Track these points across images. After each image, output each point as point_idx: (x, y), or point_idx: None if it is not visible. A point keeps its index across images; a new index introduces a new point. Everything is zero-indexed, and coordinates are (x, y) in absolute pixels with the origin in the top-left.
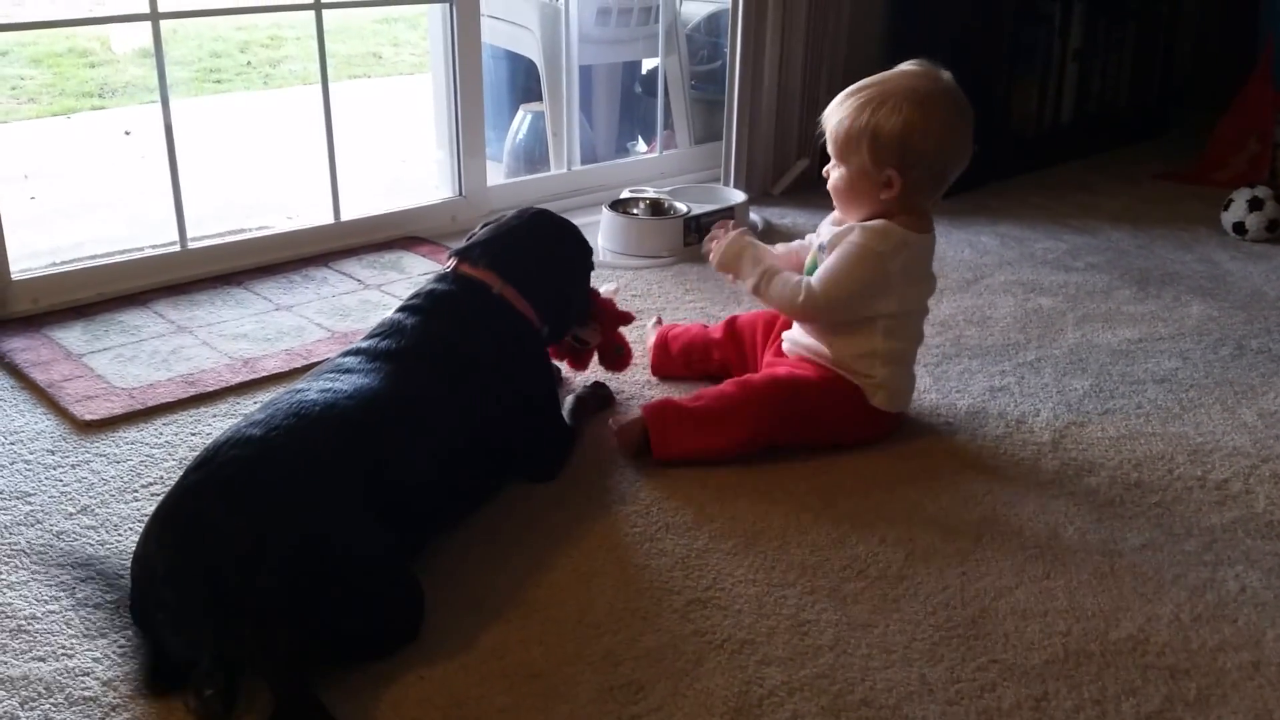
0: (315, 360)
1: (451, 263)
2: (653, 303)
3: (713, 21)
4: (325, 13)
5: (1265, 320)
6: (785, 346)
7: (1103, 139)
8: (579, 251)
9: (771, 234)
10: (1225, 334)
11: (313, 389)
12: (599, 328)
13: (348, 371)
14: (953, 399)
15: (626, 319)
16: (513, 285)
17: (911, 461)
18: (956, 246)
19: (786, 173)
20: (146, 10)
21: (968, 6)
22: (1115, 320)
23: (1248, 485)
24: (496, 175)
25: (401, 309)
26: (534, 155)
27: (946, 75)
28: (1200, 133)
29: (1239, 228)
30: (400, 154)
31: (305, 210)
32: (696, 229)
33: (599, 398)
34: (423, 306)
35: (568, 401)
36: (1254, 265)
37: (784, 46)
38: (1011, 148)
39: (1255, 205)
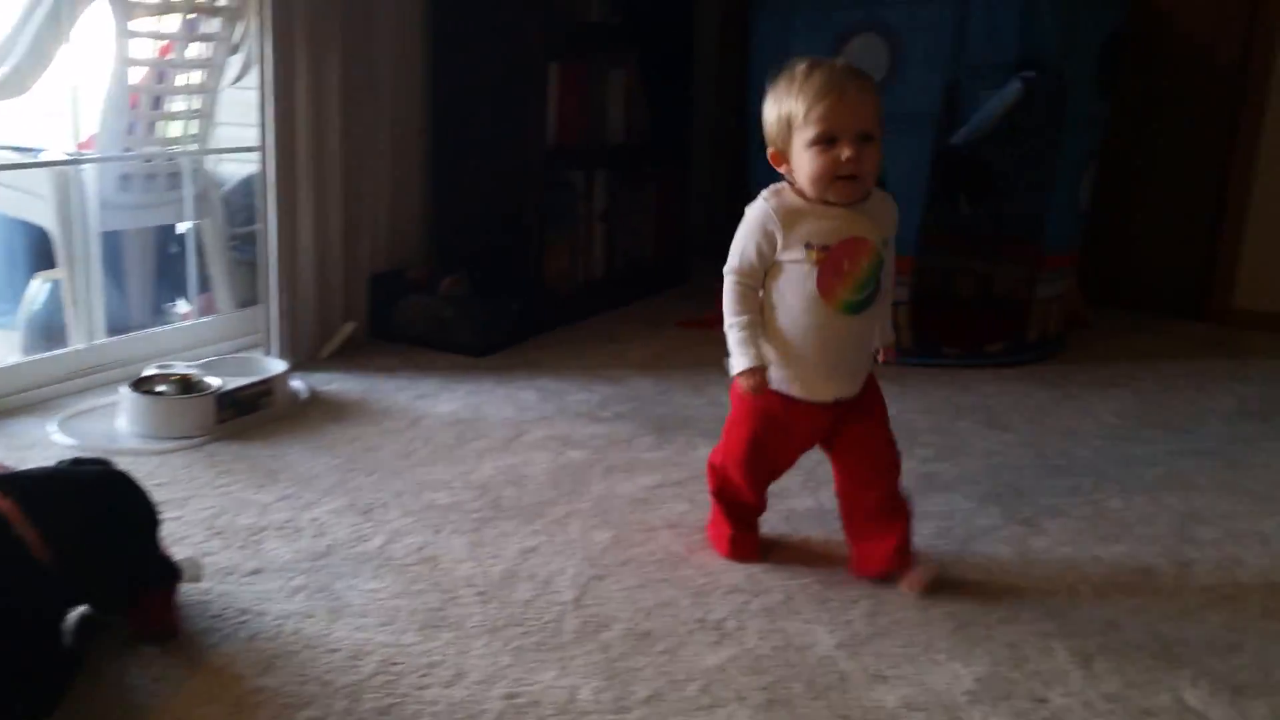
0: None
1: None
2: (180, 490)
3: (250, 183)
4: None
5: None
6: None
7: (632, 290)
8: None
9: (319, 403)
10: None
11: None
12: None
13: None
14: (487, 565)
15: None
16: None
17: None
18: (499, 404)
19: (334, 336)
20: None
21: (499, 179)
22: (636, 469)
23: (741, 622)
24: (13, 347)
25: None
26: (53, 326)
27: None
28: (715, 281)
29: None
30: None
31: None
32: (232, 404)
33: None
34: None
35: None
36: None
37: (319, 208)
38: (548, 304)
39: None
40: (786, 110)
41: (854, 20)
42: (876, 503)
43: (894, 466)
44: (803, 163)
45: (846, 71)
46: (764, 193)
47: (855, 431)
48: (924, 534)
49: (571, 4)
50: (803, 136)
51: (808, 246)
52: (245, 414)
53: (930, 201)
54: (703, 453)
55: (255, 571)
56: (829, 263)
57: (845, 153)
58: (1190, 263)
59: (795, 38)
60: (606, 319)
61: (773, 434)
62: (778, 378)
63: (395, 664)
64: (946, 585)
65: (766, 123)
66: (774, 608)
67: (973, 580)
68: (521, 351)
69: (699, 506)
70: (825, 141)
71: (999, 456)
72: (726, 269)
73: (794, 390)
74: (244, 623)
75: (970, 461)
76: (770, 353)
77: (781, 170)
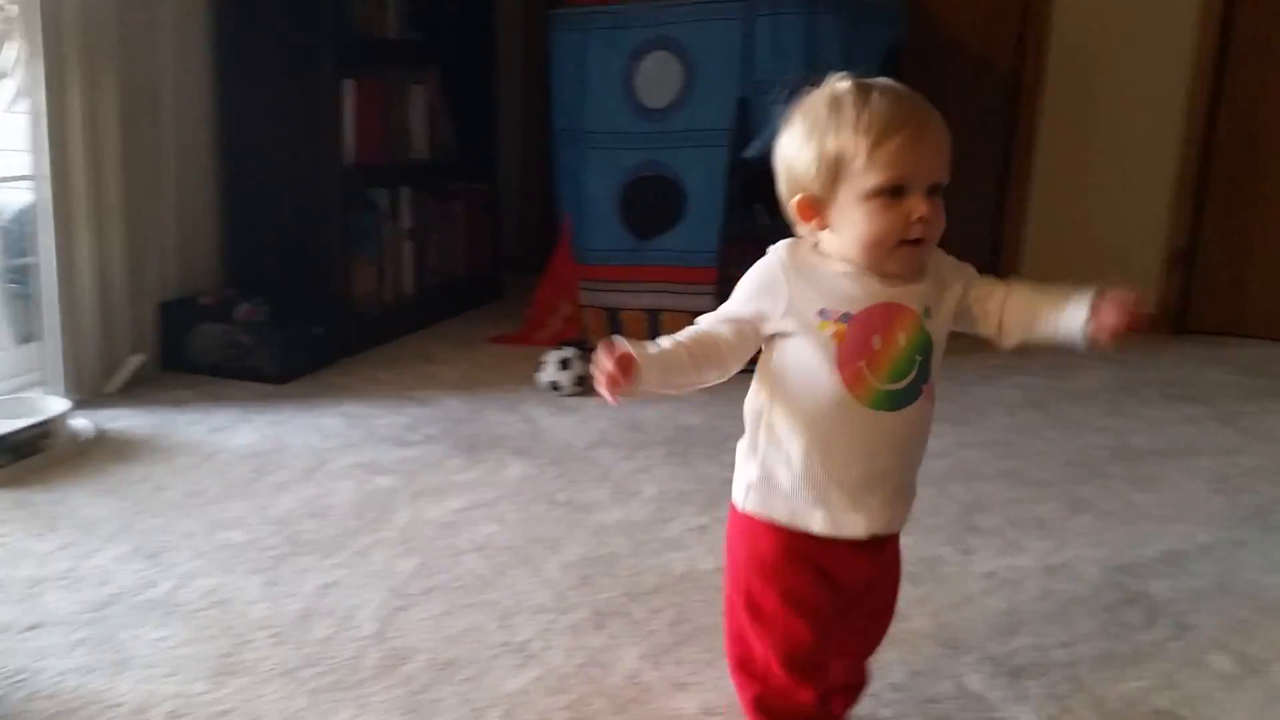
0: None
1: None
2: None
3: (30, 212)
4: None
5: (573, 472)
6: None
7: (444, 308)
8: None
9: (105, 442)
10: (539, 491)
11: None
12: None
13: None
14: (283, 605)
15: None
16: None
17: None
18: (301, 433)
19: (120, 369)
20: None
21: (297, 200)
22: (445, 492)
23: (547, 642)
24: None
25: None
26: None
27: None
28: (527, 297)
29: (554, 386)
30: None
31: None
32: (8, 449)
33: None
34: None
35: None
36: (567, 419)
37: (99, 236)
38: (355, 326)
39: (565, 365)
40: (836, 147)
41: (647, 38)
42: (841, 675)
43: (880, 640)
44: (855, 220)
45: (915, 99)
46: (777, 246)
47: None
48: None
49: (366, 20)
50: (860, 185)
51: (822, 314)
52: (22, 458)
53: (731, 213)
54: (514, 471)
55: (33, 626)
56: (851, 337)
57: (919, 209)
58: (978, 259)
59: (592, 55)
60: (417, 339)
61: (812, 583)
62: (789, 509)
63: (182, 716)
64: None
65: (795, 162)
66: (580, 625)
67: None
68: (326, 377)
69: (508, 526)
70: (892, 193)
71: None
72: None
73: (814, 524)
74: (21, 682)
75: None
76: (779, 473)
77: (807, 227)
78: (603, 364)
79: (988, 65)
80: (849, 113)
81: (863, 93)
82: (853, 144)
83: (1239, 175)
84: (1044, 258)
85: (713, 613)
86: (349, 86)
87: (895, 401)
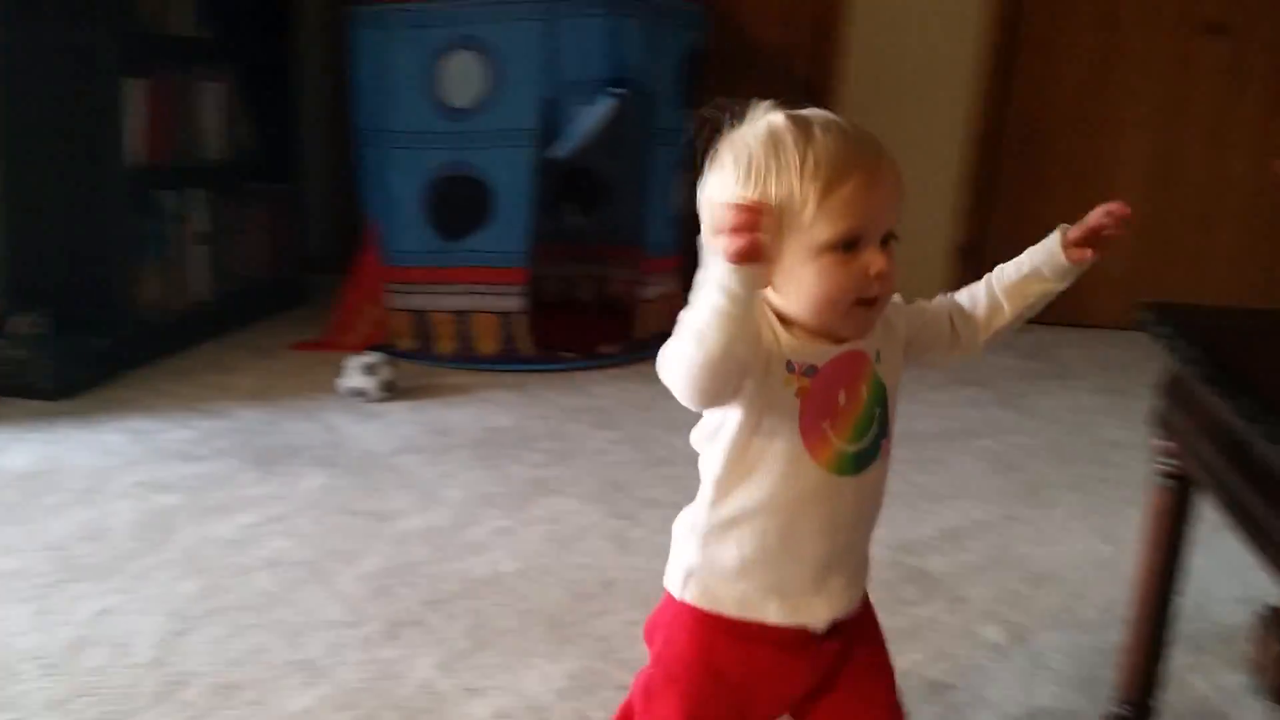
0: None
1: None
2: None
3: None
4: None
5: (375, 480)
6: None
7: (243, 315)
8: None
9: None
10: (337, 502)
11: None
12: None
13: None
14: (54, 634)
15: None
16: None
17: None
18: (80, 452)
19: None
20: None
21: (77, 205)
22: (234, 508)
23: (337, 658)
24: None
25: None
26: None
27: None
28: (333, 301)
29: (358, 392)
30: None
31: None
32: None
33: None
34: None
35: None
36: (370, 425)
37: None
38: (142, 337)
39: (370, 370)
40: (779, 195)
41: (450, 38)
42: None
43: None
44: (803, 278)
45: (862, 135)
46: None
47: (853, 682)
48: (532, 538)
49: (153, 16)
50: (809, 239)
51: (788, 368)
52: None
53: (539, 213)
54: (312, 482)
55: None
56: (816, 394)
57: (876, 264)
58: None
59: (394, 54)
60: (213, 348)
61: (723, 707)
62: (737, 596)
63: None
64: (549, 589)
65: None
66: (372, 637)
67: (573, 579)
68: (109, 391)
69: (302, 540)
70: (845, 246)
71: (607, 455)
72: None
73: (769, 613)
74: None
75: (579, 463)
76: (726, 554)
77: None
78: (735, 214)
79: (787, 67)
80: (791, 153)
81: (803, 128)
82: (799, 191)
83: (1026, 168)
84: None
85: (512, 615)
86: (135, 85)
87: (858, 463)
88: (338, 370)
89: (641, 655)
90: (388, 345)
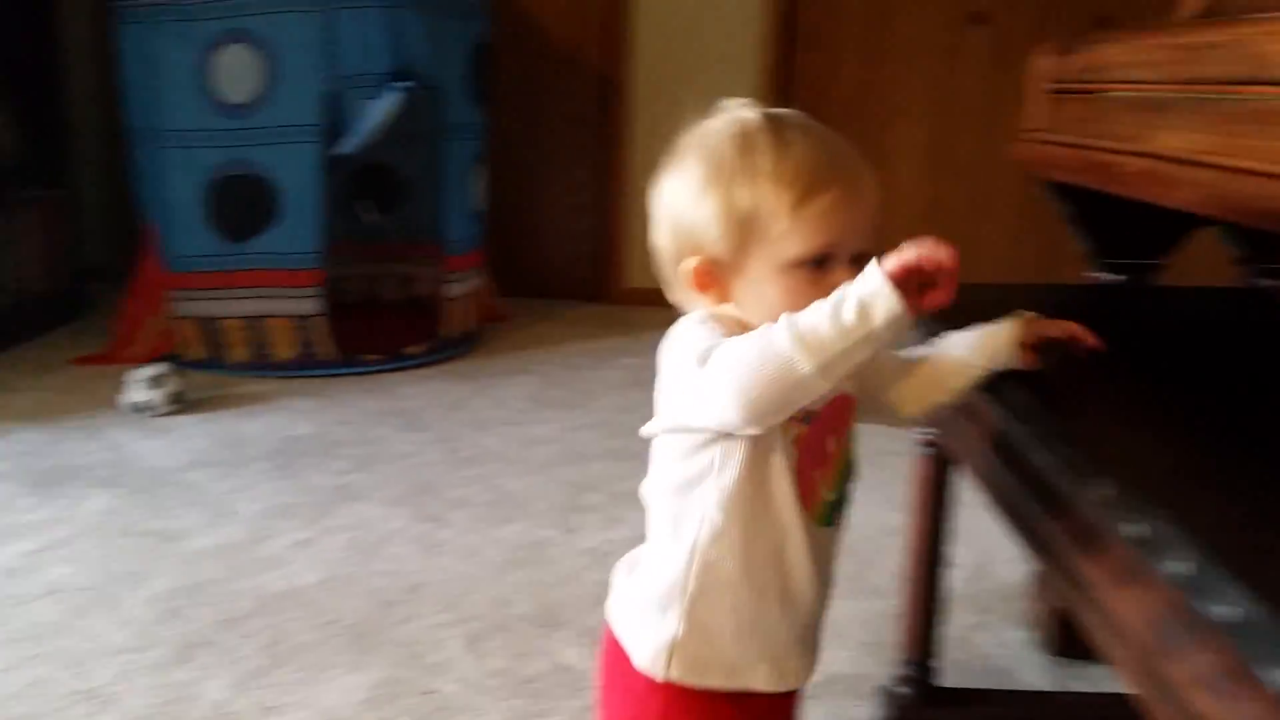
0: None
1: None
2: None
3: None
4: None
5: (163, 498)
6: None
7: (16, 330)
8: None
9: None
10: (123, 523)
11: None
12: None
13: None
14: None
15: None
16: None
17: None
18: None
19: None
20: None
21: None
22: (9, 535)
23: (126, 684)
24: None
25: None
26: None
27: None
28: (115, 312)
29: (143, 407)
30: None
31: None
32: None
33: None
34: None
35: None
36: (157, 441)
37: None
38: None
39: (156, 382)
40: (749, 202)
41: (222, 31)
42: None
43: None
44: (768, 295)
45: (840, 143)
46: (697, 324)
47: None
48: (334, 548)
49: None
50: (778, 252)
51: None
52: None
53: (333, 212)
54: (95, 504)
55: None
56: (811, 442)
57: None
58: (586, 249)
59: (162, 49)
60: None
61: None
62: (728, 665)
63: None
64: (350, 599)
65: (689, 215)
66: (163, 661)
67: (378, 586)
68: None
69: (85, 565)
70: (816, 263)
71: (414, 457)
72: (701, 359)
73: (758, 679)
74: None
75: (385, 467)
76: (720, 619)
77: (703, 298)
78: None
79: (578, 58)
80: (764, 157)
81: (777, 130)
82: (772, 199)
83: None
84: (645, 246)
85: (311, 628)
86: None
87: (833, 513)
88: (120, 385)
89: (448, 658)
90: (175, 355)
